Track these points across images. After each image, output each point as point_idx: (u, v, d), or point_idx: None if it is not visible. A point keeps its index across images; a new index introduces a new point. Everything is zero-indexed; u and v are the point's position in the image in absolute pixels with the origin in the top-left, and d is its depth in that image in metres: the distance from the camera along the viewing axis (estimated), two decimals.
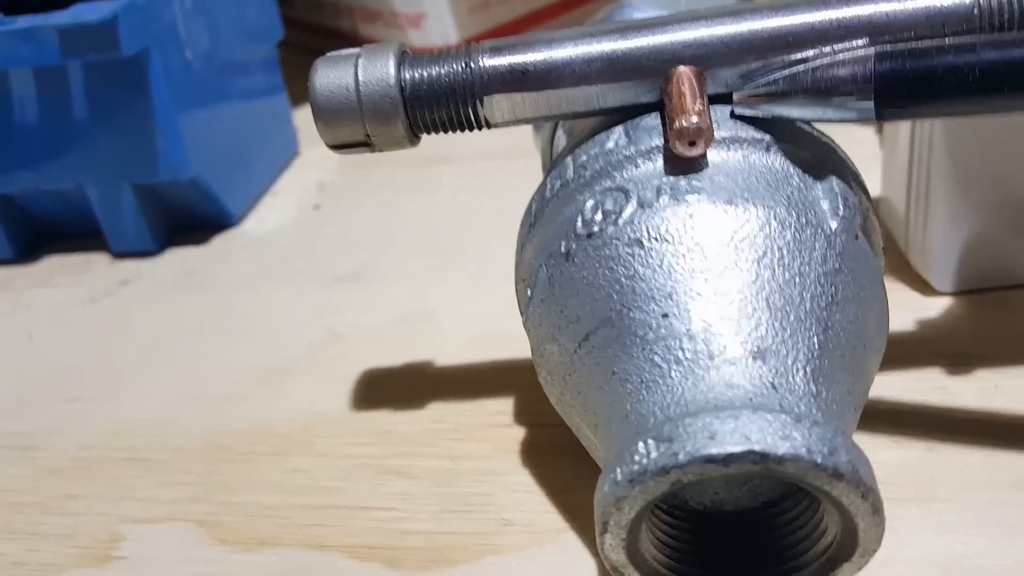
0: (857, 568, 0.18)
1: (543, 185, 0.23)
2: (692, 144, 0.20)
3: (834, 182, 0.21)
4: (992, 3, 0.20)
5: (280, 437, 0.28)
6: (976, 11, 0.20)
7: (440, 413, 0.28)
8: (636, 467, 0.17)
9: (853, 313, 0.20)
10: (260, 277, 0.38)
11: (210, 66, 0.41)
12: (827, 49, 0.21)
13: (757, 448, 0.16)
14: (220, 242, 0.42)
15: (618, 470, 0.17)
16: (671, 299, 0.19)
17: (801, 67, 0.20)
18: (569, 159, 0.22)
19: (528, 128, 0.29)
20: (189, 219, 0.42)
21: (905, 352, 0.27)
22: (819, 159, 0.21)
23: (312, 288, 0.37)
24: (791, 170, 0.20)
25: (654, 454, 0.17)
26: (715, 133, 0.20)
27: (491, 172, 0.45)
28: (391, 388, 0.30)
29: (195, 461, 0.28)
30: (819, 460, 0.16)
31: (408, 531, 0.24)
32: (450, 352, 0.31)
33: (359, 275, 0.37)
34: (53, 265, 0.42)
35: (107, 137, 0.38)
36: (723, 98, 0.21)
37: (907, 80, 0.19)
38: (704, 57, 0.21)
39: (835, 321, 0.19)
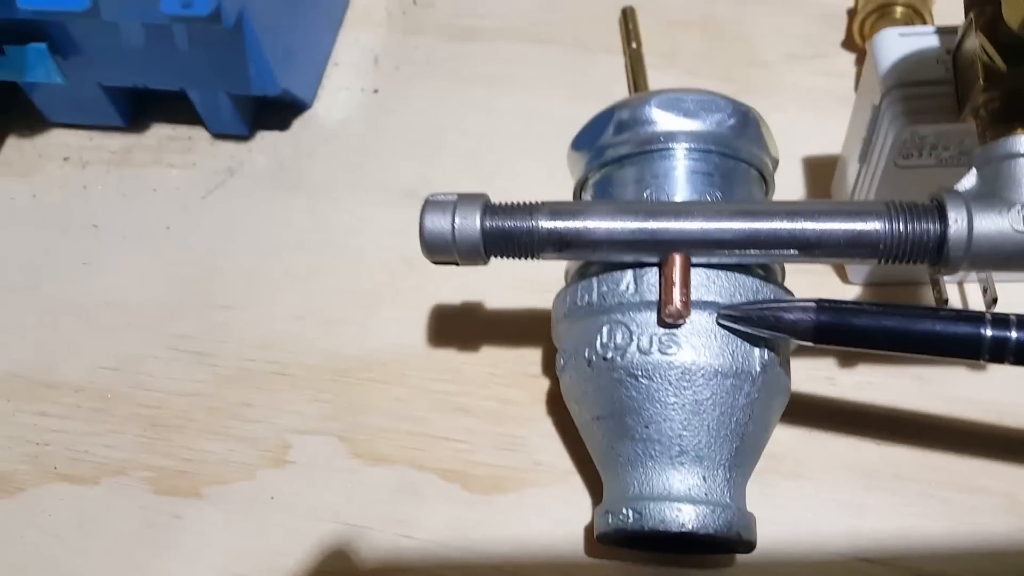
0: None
1: (576, 288, 0.33)
2: (675, 320, 0.31)
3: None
4: (893, 243, 0.29)
5: (382, 366, 0.41)
6: (882, 246, 0.30)
7: (493, 358, 0.41)
8: (619, 524, 0.31)
9: (763, 420, 0.32)
10: (339, 182, 0.48)
11: None
12: (773, 250, 0.30)
13: (686, 529, 0.30)
14: (300, 129, 0.50)
15: (609, 518, 0.31)
16: (651, 417, 0.31)
17: (767, 306, 0.30)
18: (595, 282, 0.33)
19: None
20: (272, 105, 0.50)
21: None
22: None
23: (384, 202, 0.47)
24: None
25: (630, 520, 0.31)
26: (693, 295, 0.31)
27: (523, 58, 0.52)
28: (455, 327, 0.42)
29: (326, 382, 0.41)
30: (720, 535, 0.30)
31: (475, 462, 0.39)
32: (496, 294, 0.43)
33: (417, 192, 0.46)
34: (162, 138, 0.51)
35: (206, 62, 0.45)
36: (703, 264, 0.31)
37: (836, 332, 0.29)
38: (691, 248, 0.31)
39: (749, 431, 0.32)
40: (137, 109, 0.52)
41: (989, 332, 0.28)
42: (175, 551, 0.38)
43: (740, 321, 0.31)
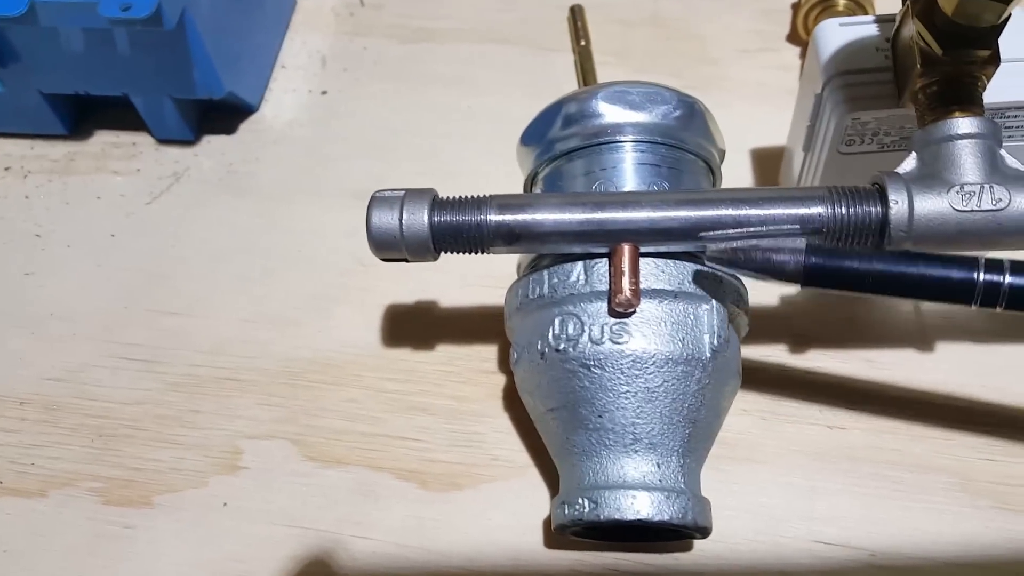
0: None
1: (528, 281, 0.33)
2: (625, 310, 0.31)
3: (715, 318, 0.32)
4: (836, 225, 0.30)
5: (336, 368, 0.41)
6: (825, 229, 0.30)
7: (447, 356, 0.41)
8: (576, 514, 0.31)
9: (714, 405, 0.32)
10: (290, 185, 0.47)
11: None
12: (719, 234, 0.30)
13: (642, 516, 0.30)
14: (247, 132, 0.50)
15: (566, 509, 0.31)
16: (604, 406, 0.31)
17: (755, 242, 0.29)
18: (546, 274, 0.33)
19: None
20: (217, 107, 0.50)
21: (765, 327, 0.40)
22: (710, 296, 0.32)
23: (335, 204, 0.46)
24: (689, 312, 0.31)
25: (586, 511, 0.31)
26: (642, 284, 0.31)
27: (475, 59, 0.52)
28: (409, 326, 0.42)
29: (278, 385, 0.41)
30: (676, 521, 0.30)
31: (431, 459, 0.38)
32: (450, 292, 0.43)
33: (370, 193, 0.46)
34: (106, 145, 0.50)
35: (149, 66, 0.45)
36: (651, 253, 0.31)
37: (826, 274, 0.28)
38: (639, 237, 0.31)
39: (701, 416, 0.32)
40: (79, 116, 0.51)
41: (982, 276, 0.28)
42: (127, 562, 0.37)
43: (727, 263, 0.29)
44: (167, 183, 0.48)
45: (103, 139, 0.51)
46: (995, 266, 0.28)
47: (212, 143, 0.50)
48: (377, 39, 0.53)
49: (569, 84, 0.51)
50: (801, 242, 0.29)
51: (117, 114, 0.51)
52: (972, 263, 0.28)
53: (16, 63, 0.46)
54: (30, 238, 0.47)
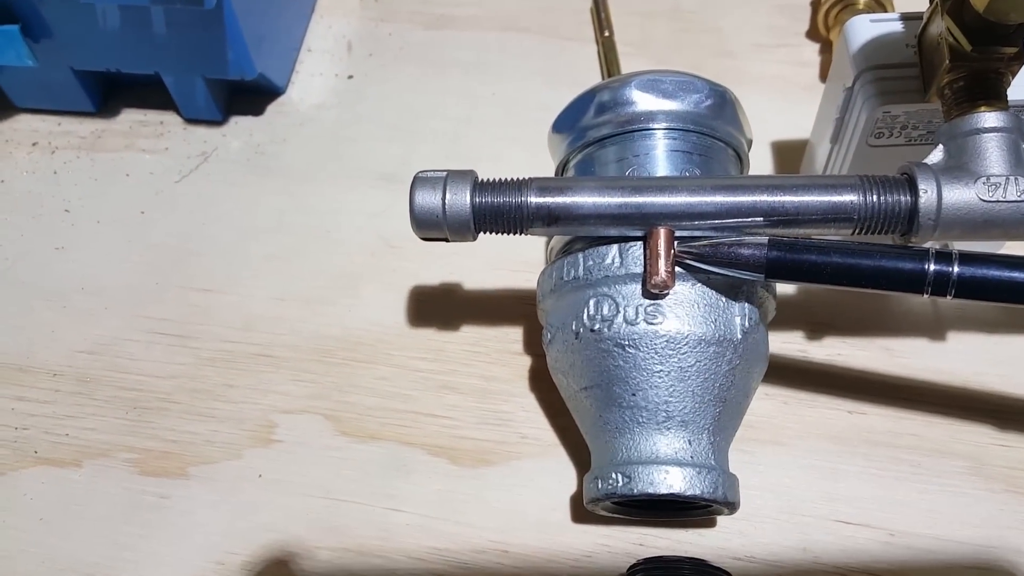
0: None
1: (562, 264, 0.34)
2: (660, 291, 0.32)
3: (746, 301, 0.33)
4: (867, 214, 0.31)
5: (366, 346, 0.42)
6: (856, 216, 0.31)
7: (475, 337, 0.42)
8: (609, 488, 0.32)
9: (744, 386, 0.33)
10: (316, 166, 0.48)
11: None
12: (753, 220, 0.32)
13: (674, 491, 0.31)
14: (274, 114, 0.51)
15: (599, 483, 0.32)
16: (638, 385, 0.32)
17: (720, 239, 0.31)
18: (581, 257, 0.34)
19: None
20: (245, 89, 0.50)
21: (785, 315, 0.41)
22: (739, 281, 0.33)
23: (362, 185, 0.47)
24: (720, 294, 0.33)
25: (619, 485, 0.32)
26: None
27: (495, 46, 0.53)
28: (436, 306, 0.43)
29: (310, 362, 0.42)
30: (707, 496, 0.31)
31: (462, 436, 0.39)
32: (475, 275, 0.44)
33: (396, 176, 0.47)
34: (133, 123, 0.51)
35: (184, 45, 0.45)
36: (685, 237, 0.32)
37: (787, 267, 0.30)
38: (675, 220, 0.32)
39: (731, 396, 0.33)
40: (106, 94, 0.52)
41: (932, 267, 0.29)
42: (163, 531, 0.38)
43: (698, 258, 0.32)
44: (195, 162, 0.49)
45: (130, 117, 0.51)
46: (945, 257, 0.30)
47: (240, 124, 0.50)
48: (401, 25, 0.54)
49: (587, 72, 0.52)
50: (763, 238, 0.31)
51: (144, 93, 0.51)
52: (923, 255, 0.30)
53: (49, 39, 0.46)
54: (59, 213, 0.48)
